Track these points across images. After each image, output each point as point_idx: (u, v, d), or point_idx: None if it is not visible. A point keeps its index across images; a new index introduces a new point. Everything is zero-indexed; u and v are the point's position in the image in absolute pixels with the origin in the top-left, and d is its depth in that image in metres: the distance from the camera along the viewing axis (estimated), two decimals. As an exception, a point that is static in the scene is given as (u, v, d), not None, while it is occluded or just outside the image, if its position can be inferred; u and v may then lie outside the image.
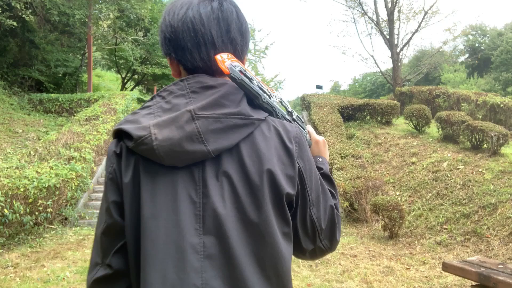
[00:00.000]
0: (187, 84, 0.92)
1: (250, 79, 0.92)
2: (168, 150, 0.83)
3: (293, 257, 0.99)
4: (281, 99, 1.02)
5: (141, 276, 0.84)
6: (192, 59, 0.95)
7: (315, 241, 0.99)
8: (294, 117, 1.05)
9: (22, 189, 6.10)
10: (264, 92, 0.95)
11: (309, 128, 1.14)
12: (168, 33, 0.96)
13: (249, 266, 0.85)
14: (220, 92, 0.89)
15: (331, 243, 1.02)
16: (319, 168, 1.06)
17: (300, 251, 1.00)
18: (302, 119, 1.10)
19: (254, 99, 0.93)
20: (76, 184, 7.79)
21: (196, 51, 0.94)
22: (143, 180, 0.86)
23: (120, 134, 0.90)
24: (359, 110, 12.40)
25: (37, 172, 6.99)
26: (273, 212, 0.87)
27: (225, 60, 0.90)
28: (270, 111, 0.96)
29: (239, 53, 0.99)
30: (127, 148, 0.88)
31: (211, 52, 0.94)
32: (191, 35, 0.93)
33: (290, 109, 1.04)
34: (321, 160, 1.11)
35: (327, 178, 1.06)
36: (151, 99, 0.94)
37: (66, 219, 7.57)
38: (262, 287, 0.85)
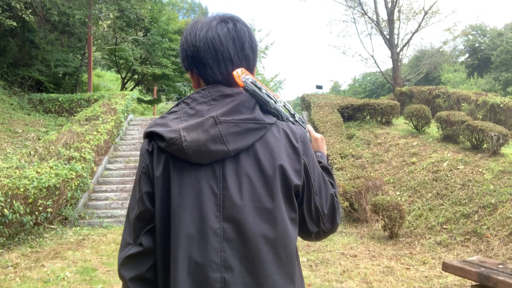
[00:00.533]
0: (208, 92, 1.08)
1: (259, 89, 1.08)
2: (195, 150, 1.00)
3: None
4: (285, 103, 1.18)
5: (171, 254, 1.01)
6: (212, 74, 1.10)
7: (319, 224, 1.14)
8: (296, 118, 1.22)
9: (22, 189, 6.10)
10: (271, 98, 1.11)
11: (309, 127, 1.30)
12: (190, 52, 1.11)
13: (264, 247, 1.00)
14: (237, 100, 1.05)
15: (333, 226, 1.17)
16: (319, 162, 1.21)
17: (306, 234, 1.16)
18: (303, 119, 1.26)
19: (263, 106, 1.09)
20: (76, 184, 7.79)
21: (216, 67, 1.10)
22: (173, 175, 1.02)
23: (151, 135, 1.06)
24: (359, 110, 12.39)
25: (37, 172, 6.99)
26: (283, 201, 1.03)
27: (240, 75, 1.06)
28: (277, 115, 1.12)
29: (251, 66, 1.15)
30: (158, 147, 1.04)
31: (230, 67, 1.10)
32: (212, 53, 1.09)
33: (292, 112, 1.20)
34: (320, 154, 1.27)
35: (326, 170, 1.22)
36: (177, 105, 1.11)
37: (66, 219, 7.57)
38: (275, 265, 1.01)
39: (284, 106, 1.17)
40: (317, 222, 1.14)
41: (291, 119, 1.18)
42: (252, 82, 1.06)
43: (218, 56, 1.09)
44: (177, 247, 1.00)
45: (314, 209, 1.12)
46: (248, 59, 1.13)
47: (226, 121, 1.01)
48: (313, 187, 1.11)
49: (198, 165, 1.01)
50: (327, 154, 1.41)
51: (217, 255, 0.98)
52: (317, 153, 1.25)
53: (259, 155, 1.03)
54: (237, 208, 0.99)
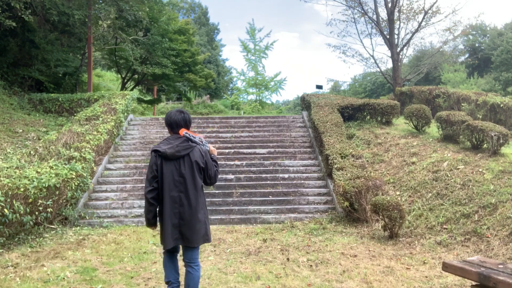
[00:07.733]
0: (174, 136, 3.74)
1: (189, 135, 3.69)
2: (171, 155, 3.61)
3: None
4: (200, 138, 3.76)
5: (163, 189, 3.62)
6: (174, 131, 3.77)
7: (211, 180, 3.79)
8: (204, 143, 3.77)
9: (22, 189, 6.10)
10: (194, 137, 3.71)
11: (209, 145, 3.85)
12: (168, 124, 3.79)
13: (191, 185, 3.62)
14: (182, 139, 3.68)
15: (215, 180, 3.83)
16: (212, 158, 3.79)
17: (206, 183, 3.77)
18: (206, 143, 3.81)
19: (191, 140, 3.69)
20: (76, 184, 7.79)
21: (176, 128, 3.75)
22: (163, 163, 3.62)
23: (156, 150, 3.64)
24: (359, 110, 12.39)
25: (37, 172, 6.99)
26: (197, 171, 3.65)
27: (182, 131, 3.71)
28: (196, 143, 3.71)
29: (188, 127, 3.81)
30: (158, 154, 3.63)
31: (180, 128, 3.74)
32: (176, 125, 3.76)
33: (203, 141, 3.78)
34: (213, 156, 3.83)
35: (214, 161, 3.81)
36: (164, 140, 3.77)
37: (66, 219, 7.57)
38: (193, 192, 3.62)
39: (199, 139, 3.71)
40: (209, 179, 3.72)
41: (201, 144, 3.69)
42: (186, 133, 3.66)
43: (178, 125, 3.73)
44: (165, 186, 3.58)
45: (208, 175, 3.70)
46: (187, 125, 3.77)
47: (180, 146, 3.61)
48: (208, 167, 3.68)
49: (171, 160, 3.58)
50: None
51: (177, 188, 3.58)
52: (212, 155, 3.77)
53: (190, 156, 3.60)
54: (184, 173, 3.58)
